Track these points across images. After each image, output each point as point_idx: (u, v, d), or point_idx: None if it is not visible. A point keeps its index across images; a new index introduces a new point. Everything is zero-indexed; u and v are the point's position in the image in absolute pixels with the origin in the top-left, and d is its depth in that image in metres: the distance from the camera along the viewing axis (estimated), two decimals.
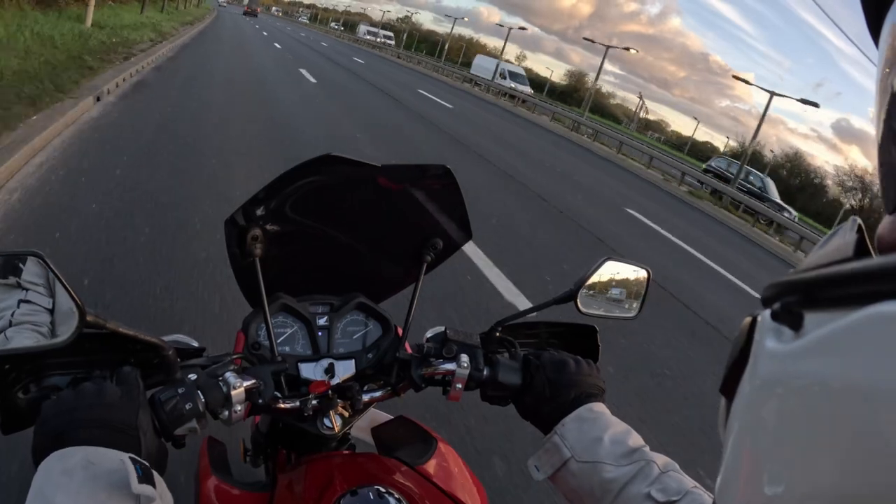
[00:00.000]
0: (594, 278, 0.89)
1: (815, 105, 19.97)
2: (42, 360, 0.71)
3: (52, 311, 0.73)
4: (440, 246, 0.96)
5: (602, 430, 0.76)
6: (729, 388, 0.29)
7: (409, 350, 0.92)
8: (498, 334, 0.91)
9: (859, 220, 0.28)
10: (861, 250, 0.26)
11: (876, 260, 0.21)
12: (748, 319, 0.29)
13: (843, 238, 0.27)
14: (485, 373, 0.86)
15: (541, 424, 0.83)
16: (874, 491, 0.18)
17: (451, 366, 0.86)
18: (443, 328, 0.91)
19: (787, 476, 0.22)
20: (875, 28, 0.29)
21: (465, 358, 0.86)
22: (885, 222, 0.27)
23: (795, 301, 0.25)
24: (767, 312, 0.27)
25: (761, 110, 19.84)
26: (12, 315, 0.70)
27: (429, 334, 0.92)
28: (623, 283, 0.93)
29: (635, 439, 0.75)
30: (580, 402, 0.81)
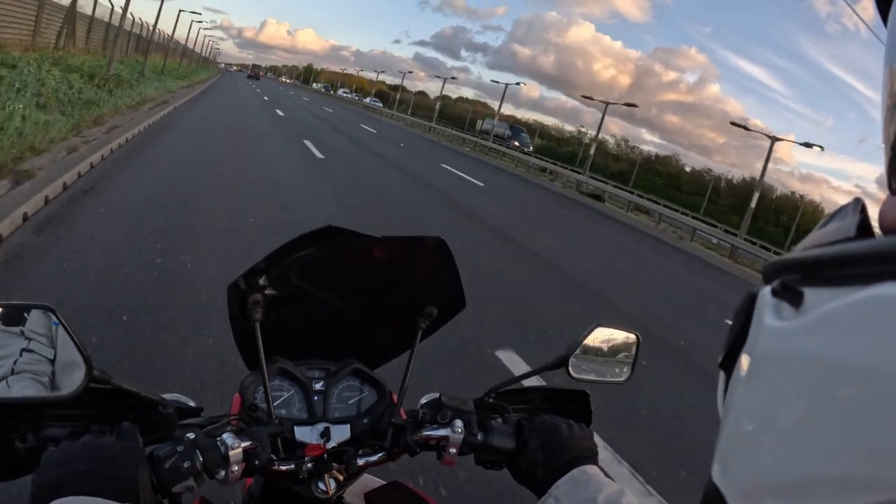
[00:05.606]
0: (584, 344, 0.92)
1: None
2: (42, 411, 0.71)
3: (52, 362, 0.74)
4: (434, 314, 0.99)
5: (596, 490, 0.76)
6: (728, 363, 0.29)
7: (404, 415, 0.92)
8: (491, 400, 0.92)
9: (863, 201, 0.28)
10: (863, 230, 0.26)
11: (883, 240, 0.22)
12: (748, 295, 0.29)
13: (844, 218, 0.27)
14: (479, 437, 0.87)
15: (535, 488, 0.83)
16: (871, 471, 0.18)
17: (445, 431, 0.87)
18: (437, 394, 0.92)
19: (786, 453, 0.22)
20: (884, 11, 0.29)
21: (459, 423, 0.87)
22: (889, 202, 0.27)
23: (796, 278, 0.25)
24: (767, 289, 0.27)
25: (804, 171, 19.83)
26: (14, 363, 0.70)
27: (423, 400, 0.93)
28: (613, 348, 0.96)
29: (629, 499, 0.76)
30: (573, 464, 0.81)
